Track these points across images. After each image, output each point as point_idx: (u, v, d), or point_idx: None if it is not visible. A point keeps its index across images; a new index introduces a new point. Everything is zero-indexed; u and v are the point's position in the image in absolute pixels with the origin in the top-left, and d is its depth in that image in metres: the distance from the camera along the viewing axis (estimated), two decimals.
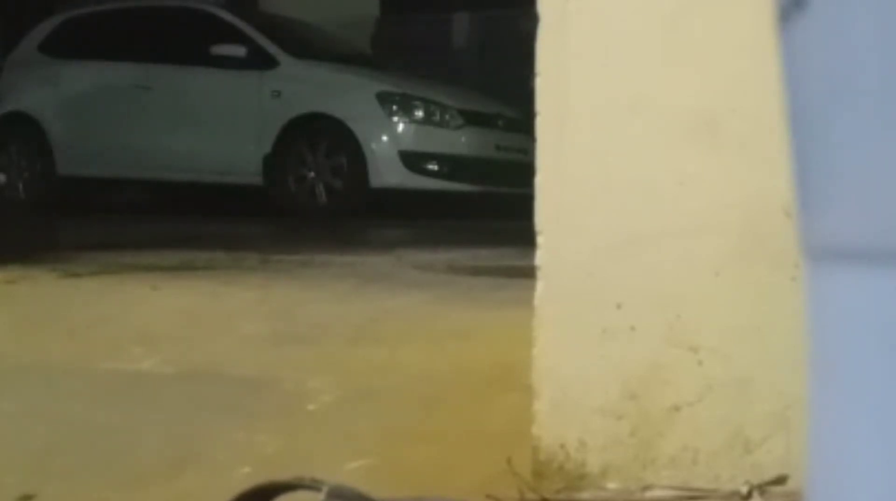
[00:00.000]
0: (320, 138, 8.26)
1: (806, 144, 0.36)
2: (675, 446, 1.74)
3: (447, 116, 8.38)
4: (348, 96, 8.23)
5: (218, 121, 8.58)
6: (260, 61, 8.55)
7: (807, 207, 0.36)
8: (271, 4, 11.07)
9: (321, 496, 1.24)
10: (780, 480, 1.69)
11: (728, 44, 1.71)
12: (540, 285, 1.81)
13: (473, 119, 8.49)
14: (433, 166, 8.21)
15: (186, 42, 8.93)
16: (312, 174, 8.27)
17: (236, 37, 8.71)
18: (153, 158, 8.73)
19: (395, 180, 8.09)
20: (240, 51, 8.58)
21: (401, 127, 8.24)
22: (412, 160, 8.13)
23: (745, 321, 1.72)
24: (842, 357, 0.35)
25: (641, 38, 1.78)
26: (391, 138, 8.19)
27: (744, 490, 1.70)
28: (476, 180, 8.31)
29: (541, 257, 1.81)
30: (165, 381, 2.57)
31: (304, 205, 8.24)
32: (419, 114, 8.30)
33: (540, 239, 1.81)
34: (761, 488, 1.69)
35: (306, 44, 9.00)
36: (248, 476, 1.77)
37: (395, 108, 8.25)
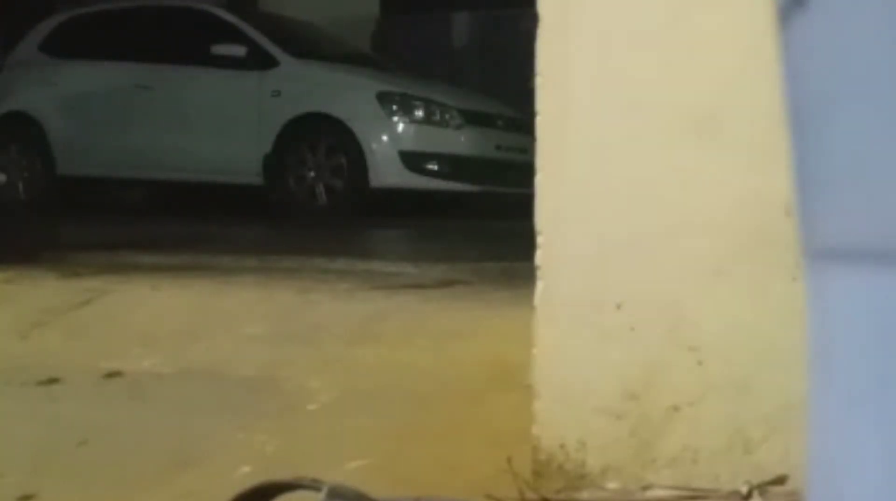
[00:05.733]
0: (320, 138, 8.26)
1: (806, 143, 0.36)
2: (675, 446, 1.74)
3: (447, 116, 8.37)
4: (348, 96, 8.22)
5: (218, 121, 8.57)
6: (260, 61, 8.54)
7: (807, 206, 0.36)
8: (271, 4, 11.07)
9: (321, 496, 1.24)
10: (780, 480, 1.69)
11: (728, 43, 1.71)
12: (540, 285, 1.81)
13: (473, 119, 8.49)
14: (433, 166, 8.20)
15: (186, 42, 8.92)
16: (312, 174, 8.27)
17: (236, 37, 8.70)
18: (153, 158, 8.73)
19: (395, 180, 8.08)
20: (240, 51, 8.58)
21: (401, 127, 8.23)
22: (412, 160, 8.12)
23: (746, 321, 1.72)
24: (842, 357, 0.35)
25: (641, 38, 1.78)
26: (391, 138, 8.18)
27: (744, 490, 1.70)
28: (476, 180, 8.31)
29: (541, 257, 1.81)
30: (165, 381, 2.57)
31: (303, 205, 8.23)
32: (419, 114, 8.29)
33: (540, 239, 1.81)
34: (761, 488, 1.69)
35: (306, 44, 9.00)
36: (248, 476, 1.77)
37: (395, 108, 8.24)
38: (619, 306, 1.76)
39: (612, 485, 1.76)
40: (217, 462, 2.05)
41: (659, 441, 1.75)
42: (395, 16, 11.58)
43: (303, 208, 8.19)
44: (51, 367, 2.65)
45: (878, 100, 0.33)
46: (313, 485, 1.27)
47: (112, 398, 2.47)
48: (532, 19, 1.81)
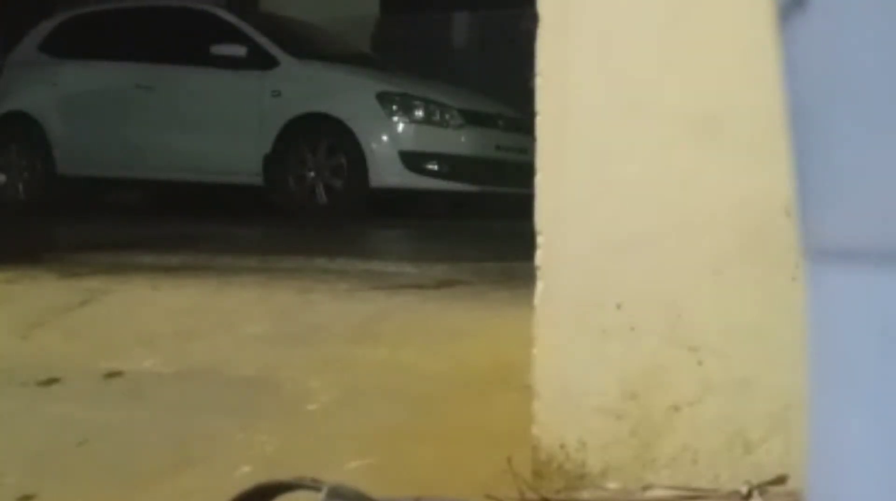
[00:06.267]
0: (320, 138, 8.25)
1: (806, 143, 0.36)
2: (675, 446, 1.74)
3: (447, 116, 8.37)
4: (348, 96, 8.22)
5: (218, 121, 8.57)
6: (260, 61, 8.54)
7: (807, 207, 0.36)
8: (271, 4, 11.07)
9: (321, 496, 1.24)
10: (780, 480, 1.69)
11: (728, 43, 1.71)
12: (540, 285, 1.81)
13: (473, 119, 8.49)
14: (433, 166, 8.20)
15: (186, 42, 8.92)
16: (312, 174, 8.26)
17: (236, 37, 8.70)
18: (153, 158, 8.73)
19: (395, 180, 8.08)
20: (240, 51, 8.58)
21: (401, 127, 8.23)
22: (412, 160, 8.12)
23: (745, 320, 1.72)
24: (842, 357, 0.35)
25: (641, 38, 1.78)
26: (391, 138, 8.18)
27: (744, 490, 1.70)
28: (476, 180, 8.31)
29: (541, 257, 1.81)
30: (165, 381, 2.57)
31: (303, 205, 8.23)
32: (419, 114, 8.29)
33: (540, 239, 1.81)
34: (761, 488, 1.69)
35: (306, 44, 9.00)
36: (248, 476, 1.77)
37: (395, 108, 8.24)
38: (619, 306, 1.76)
39: (612, 485, 1.76)
40: (217, 462, 2.05)
41: (659, 441, 1.75)
42: (395, 16, 11.58)
43: (303, 208, 8.18)
44: (51, 367, 2.65)
45: (877, 99, 0.33)
46: (313, 485, 1.27)
47: (112, 398, 2.47)
48: (532, 19, 1.81)
